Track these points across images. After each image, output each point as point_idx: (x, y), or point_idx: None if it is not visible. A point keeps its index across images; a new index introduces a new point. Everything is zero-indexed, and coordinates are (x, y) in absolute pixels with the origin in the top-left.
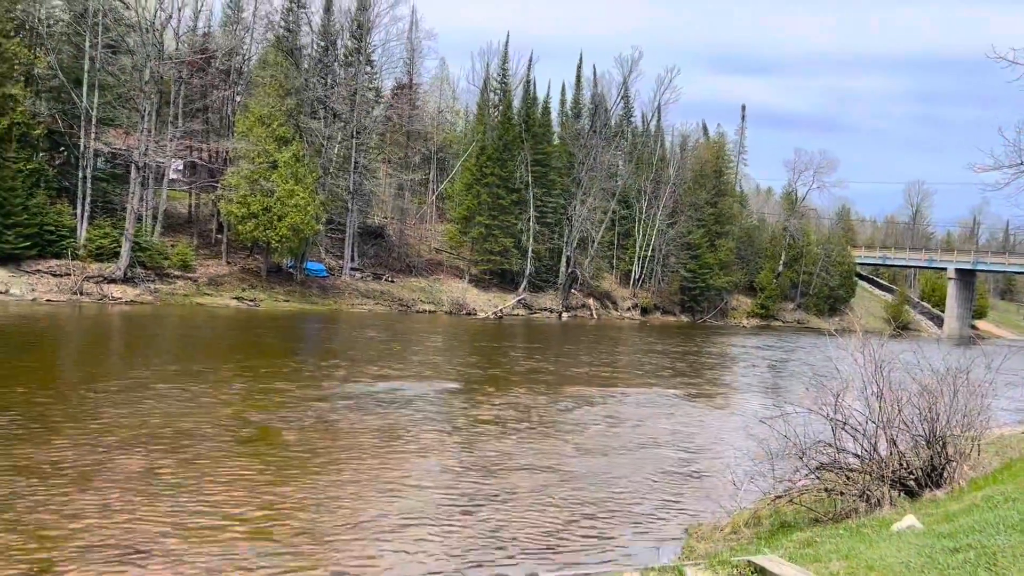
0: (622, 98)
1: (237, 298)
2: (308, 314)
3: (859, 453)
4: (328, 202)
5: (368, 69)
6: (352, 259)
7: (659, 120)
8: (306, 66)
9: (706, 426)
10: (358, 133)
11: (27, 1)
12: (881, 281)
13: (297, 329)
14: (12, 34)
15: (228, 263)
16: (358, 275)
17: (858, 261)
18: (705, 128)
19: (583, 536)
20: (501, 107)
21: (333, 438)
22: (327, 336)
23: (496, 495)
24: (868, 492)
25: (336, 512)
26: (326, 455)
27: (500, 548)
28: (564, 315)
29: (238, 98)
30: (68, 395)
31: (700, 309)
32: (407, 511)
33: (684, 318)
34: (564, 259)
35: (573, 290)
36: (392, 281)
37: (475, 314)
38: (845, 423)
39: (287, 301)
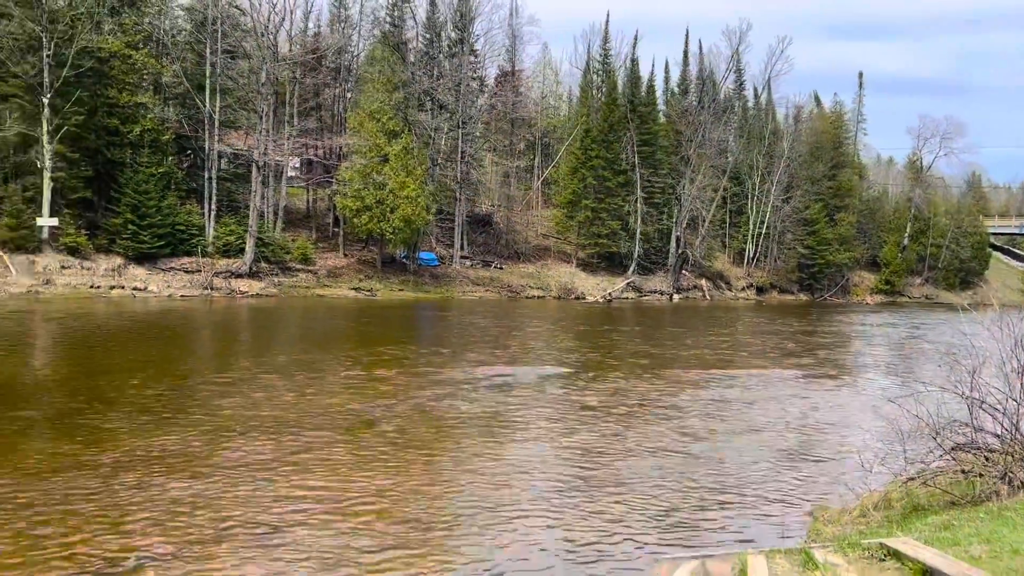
0: (731, 71)
1: (355, 288)
2: (421, 302)
3: (999, 433)
4: (437, 192)
5: (472, 59)
6: (461, 247)
7: (770, 93)
8: (412, 59)
9: (830, 407)
10: (464, 123)
11: (153, 14)
12: (1018, 252)
13: (410, 317)
14: (141, 46)
15: (345, 255)
16: (467, 263)
17: (992, 231)
18: (817, 99)
19: (702, 519)
20: (605, 88)
21: (442, 425)
22: (439, 323)
23: (609, 480)
24: (1011, 474)
25: (449, 499)
26: (435, 442)
27: (617, 533)
28: (675, 297)
29: (348, 95)
30: (193, 385)
31: (820, 287)
32: (518, 498)
33: (803, 297)
34: (674, 240)
35: (684, 271)
36: (500, 268)
37: (584, 298)
38: (983, 402)
39: (401, 290)
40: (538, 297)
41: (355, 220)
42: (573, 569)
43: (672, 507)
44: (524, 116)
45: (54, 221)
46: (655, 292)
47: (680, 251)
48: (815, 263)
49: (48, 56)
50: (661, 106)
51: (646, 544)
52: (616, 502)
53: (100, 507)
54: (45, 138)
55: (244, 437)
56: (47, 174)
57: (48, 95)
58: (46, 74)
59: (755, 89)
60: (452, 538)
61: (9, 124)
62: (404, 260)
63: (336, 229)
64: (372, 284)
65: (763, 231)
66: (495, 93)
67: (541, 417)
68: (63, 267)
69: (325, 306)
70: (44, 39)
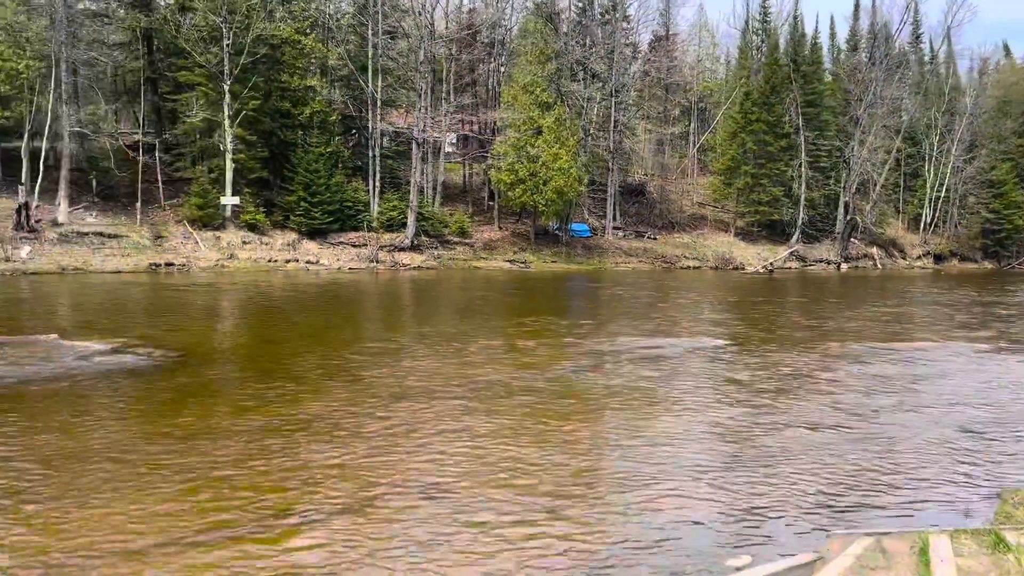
0: (906, 23)
1: (509, 261)
2: (573, 274)
3: None
4: (589, 163)
5: (625, 25)
6: (614, 218)
7: (949, 44)
8: (564, 29)
9: (1011, 383)
10: (617, 91)
11: (319, 0)
12: None
13: (561, 288)
14: (309, 32)
15: (500, 228)
16: (620, 234)
17: None
18: (1007, 49)
19: (871, 499)
20: (765, 48)
21: (584, 397)
22: (589, 294)
23: (763, 457)
24: None
25: (591, 473)
26: (574, 415)
27: (776, 509)
28: (843, 266)
29: (502, 69)
30: (349, 354)
31: (1007, 254)
32: (665, 473)
33: (987, 265)
34: (842, 206)
35: (853, 239)
36: (654, 238)
37: (743, 269)
38: None
39: (554, 262)
40: (693, 268)
41: (509, 193)
42: (735, 542)
43: (836, 485)
44: (679, 81)
45: (236, 200)
46: (821, 261)
47: (849, 217)
48: (1002, 228)
49: (227, 45)
50: (828, 64)
51: (809, 521)
52: (772, 479)
53: (253, 469)
54: (226, 122)
55: (389, 406)
56: (228, 156)
57: (228, 82)
58: (226, 62)
59: (930, 41)
60: (597, 511)
61: (196, 111)
62: (556, 232)
63: (491, 203)
64: (525, 256)
65: (942, 194)
66: (649, 59)
67: (688, 391)
68: (244, 242)
69: (480, 278)
70: (224, 29)
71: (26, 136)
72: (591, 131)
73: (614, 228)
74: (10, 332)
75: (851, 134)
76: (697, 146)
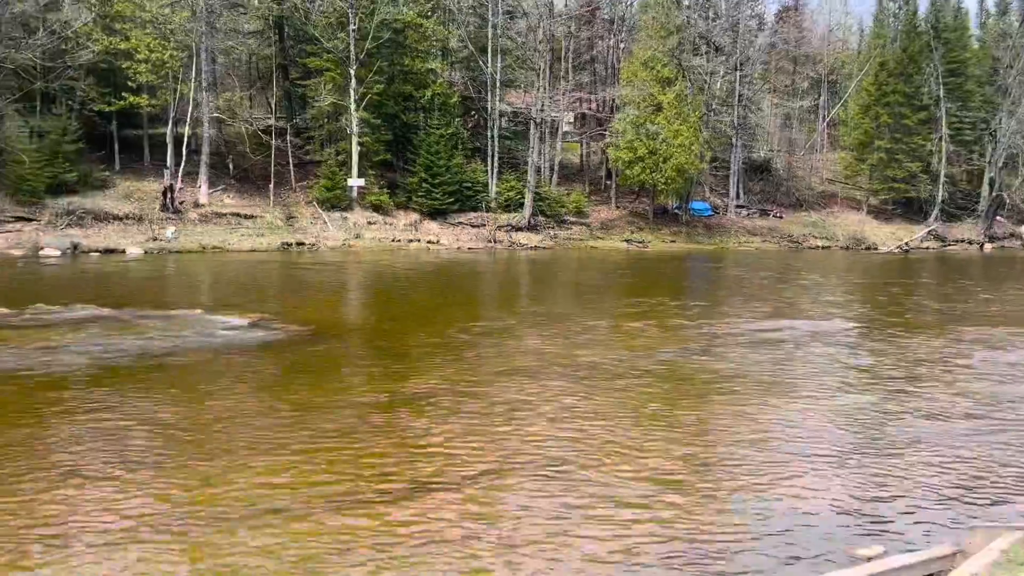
0: None
1: (626, 240)
2: (693, 254)
3: None
4: (712, 139)
5: None
6: (737, 196)
7: None
8: (687, 3)
9: None
10: (741, 65)
11: None
12: None
13: (679, 269)
14: (430, 15)
15: (617, 207)
16: (744, 212)
17: None
18: None
19: (1010, 492)
20: (903, 15)
21: (693, 381)
22: (708, 275)
23: (889, 447)
24: None
25: (698, 458)
26: (681, 399)
27: (907, 500)
28: (987, 246)
29: (622, 45)
30: (458, 333)
31: None
32: (782, 460)
33: None
34: (987, 182)
35: (999, 217)
36: (780, 217)
37: (875, 249)
38: None
39: (673, 241)
40: (822, 248)
41: (627, 172)
42: (862, 533)
43: (969, 479)
44: (808, 53)
45: (361, 181)
46: (962, 241)
47: (994, 194)
48: None
49: (353, 31)
50: (973, 30)
51: (941, 514)
52: (899, 470)
53: (367, 441)
54: (352, 106)
55: (495, 384)
56: (355, 139)
57: (354, 67)
58: (352, 47)
59: None
60: (710, 496)
61: (324, 95)
62: (676, 211)
63: (608, 182)
64: (643, 235)
65: None
66: (775, 31)
67: (806, 376)
68: (369, 223)
69: (597, 258)
70: (350, 15)
71: (170, 122)
72: (714, 106)
73: (737, 206)
74: (159, 307)
75: (999, 105)
76: (827, 120)
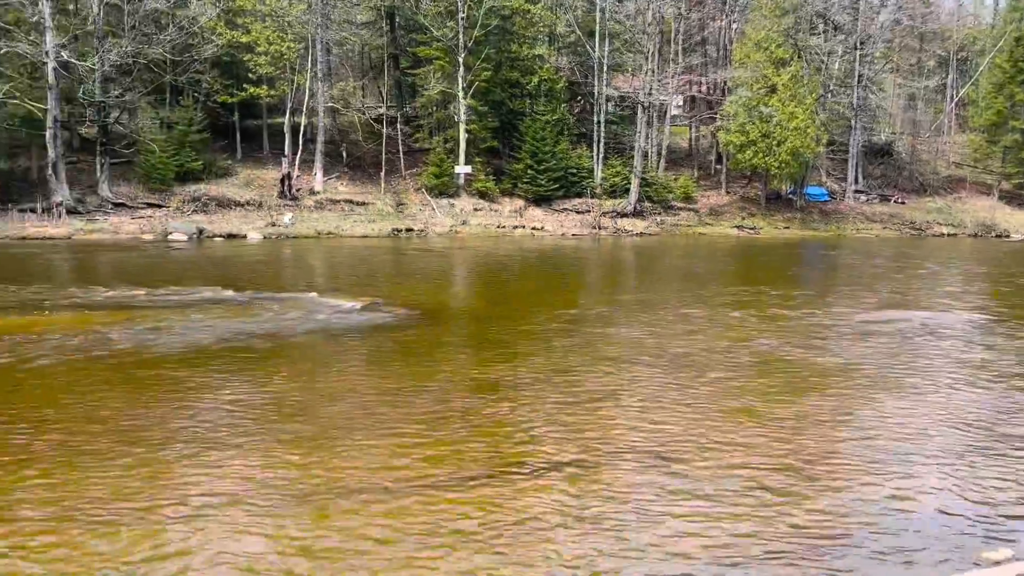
0: None
1: (737, 226)
2: (807, 241)
3: None
4: (829, 122)
5: None
6: (855, 181)
7: None
8: None
9: None
10: (862, 43)
11: None
12: None
13: (792, 256)
14: (537, 0)
15: (727, 193)
16: (862, 197)
17: None
18: None
19: None
20: None
21: (799, 372)
22: (823, 263)
23: (1010, 446)
24: None
25: (799, 456)
26: (790, 389)
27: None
28: None
29: (735, 26)
30: (554, 318)
31: None
32: (889, 456)
33: None
34: None
35: None
36: (901, 203)
37: (1007, 236)
38: None
39: (787, 228)
40: (948, 235)
41: (738, 156)
42: (984, 535)
43: None
44: (935, 29)
45: (468, 168)
46: None
47: None
48: None
49: (462, 19)
50: None
51: None
52: (1021, 471)
53: (469, 424)
54: (460, 94)
55: (595, 370)
56: (462, 127)
57: (462, 55)
58: (460, 36)
59: None
60: (816, 493)
61: (433, 84)
62: (790, 196)
63: (718, 166)
64: (755, 221)
65: None
66: (900, 6)
67: (918, 370)
68: (475, 209)
69: (704, 244)
70: (459, 3)
71: (288, 112)
72: (831, 87)
73: (856, 192)
74: (277, 289)
75: None
76: (955, 100)
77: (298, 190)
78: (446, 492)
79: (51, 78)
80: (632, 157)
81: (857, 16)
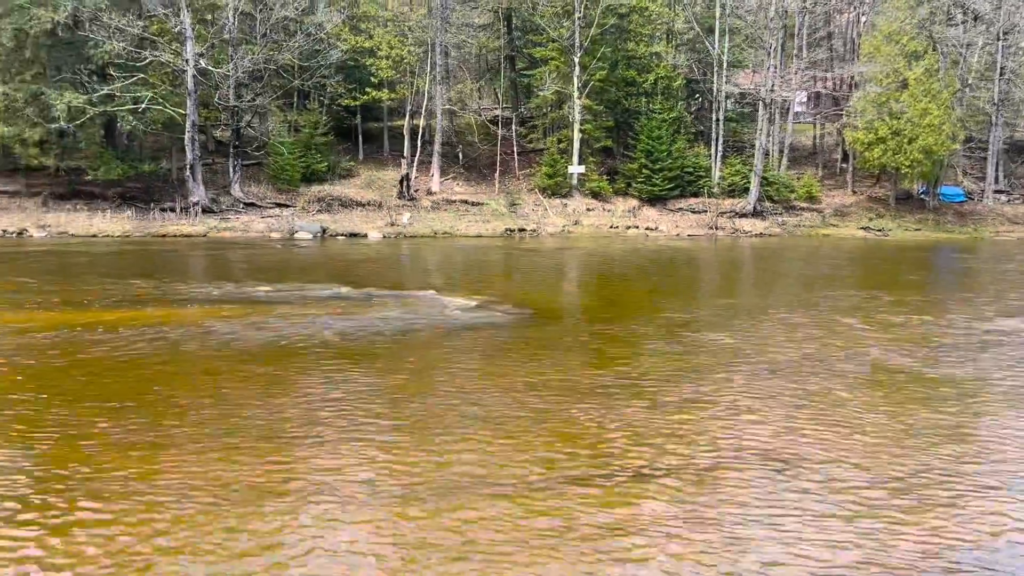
0: None
1: (863, 228)
2: (941, 244)
3: None
4: (966, 118)
5: None
6: (995, 180)
7: None
8: None
9: None
10: (1005, 34)
11: None
12: None
13: (922, 260)
14: None
15: (853, 192)
16: (1003, 198)
17: None
18: None
19: None
20: None
21: (912, 382)
22: (957, 267)
23: None
24: None
25: (926, 467)
26: (892, 405)
27: None
28: None
29: (864, 18)
30: (673, 319)
31: None
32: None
33: None
34: None
35: None
36: None
37: None
38: None
39: (918, 230)
40: None
41: (866, 154)
42: None
43: None
44: None
45: (582, 168)
46: None
47: None
48: None
49: (579, 19)
50: None
51: None
52: None
53: (585, 424)
54: (575, 94)
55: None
56: (576, 127)
57: (578, 54)
58: (576, 35)
59: None
60: (957, 508)
61: (548, 84)
62: (922, 196)
63: (844, 165)
64: (883, 223)
65: None
66: None
67: None
68: (588, 209)
69: (828, 247)
70: (576, 3)
71: (408, 115)
72: (969, 81)
73: (996, 192)
74: (396, 287)
75: None
76: None
77: (416, 191)
78: (556, 492)
79: (190, 85)
80: (752, 155)
81: (1000, 4)
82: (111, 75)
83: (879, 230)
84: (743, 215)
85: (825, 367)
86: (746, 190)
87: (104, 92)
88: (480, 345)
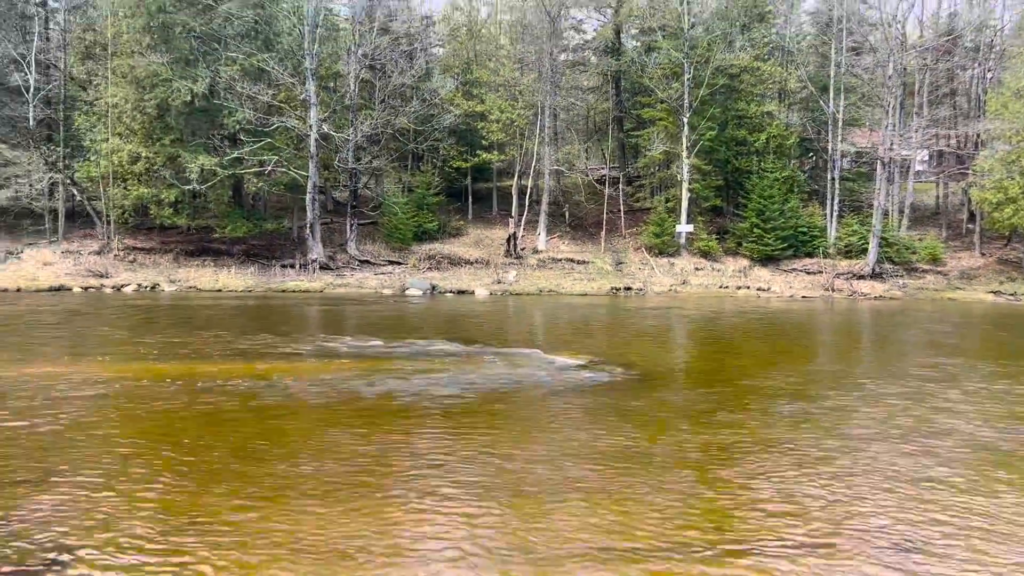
0: None
1: (993, 292)
2: None
3: None
4: None
5: None
6: None
7: None
8: None
9: None
10: None
11: (779, 24)
12: None
13: None
14: (767, 57)
15: (982, 254)
16: None
17: None
18: None
19: None
20: None
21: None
22: None
23: None
24: None
25: None
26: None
27: None
28: None
29: (989, 75)
30: (801, 381)
31: None
32: None
33: None
34: None
35: None
36: None
37: None
38: None
39: None
40: None
41: (995, 214)
42: None
43: None
44: None
45: (690, 227)
46: None
47: None
48: None
49: (688, 79)
50: None
51: None
52: None
53: (699, 494)
54: (684, 153)
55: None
56: (684, 186)
57: (687, 115)
58: (686, 96)
59: None
60: None
61: (656, 144)
62: None
63: (970, 225)
64: (1016, 287)
65: None
66: None
67: None
68: (696, 268)
69: (954, 311)
70: (685, 65)
71: (516, 175)
72: None
73: None
74: (502, 344)
75: None
76: None
77: (522, 249)
78: (672, 563)
79: (312, 148)
80: (870, 215)
81: None
82: (241, 140)
83: (1011, 295)
84: (861, 276)
85: (958, 439)
86: (864, 251)
87: (234, 156)
88: (587, 406)
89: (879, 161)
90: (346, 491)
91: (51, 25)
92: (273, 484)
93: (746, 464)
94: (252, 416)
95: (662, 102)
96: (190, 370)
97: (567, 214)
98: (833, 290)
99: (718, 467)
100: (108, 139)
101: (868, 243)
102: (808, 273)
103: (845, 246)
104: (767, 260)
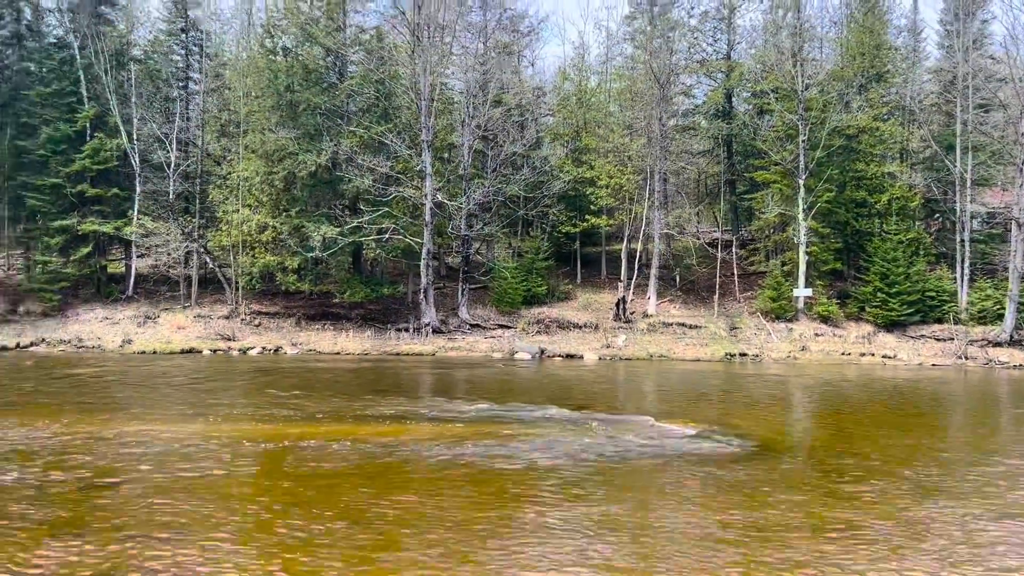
0: None
1: None
2: None
3: None
4: None
5: None
6: None
7: None
8: None
9: None
10: None
11: (899, 84)
12: None
13: None
14: (887, 117)
15: None
16: None
17: None
18: None
19: None
20: None
21: None
22: None
23: None
24: None
25: None
26: None
27: None
28: None
29: None
30: (953, 460)
31: None
32: None
33: None
34: None
35: None
36: None
37: None
38: None
39: None
40: None
41: None
42: None
43: None
44: None
45: (808, 291)
46: None
47: None
48: None
49: (803, 141)
50: None
51: None
52: None
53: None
54: (800, 216)
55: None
56: (802, 248)
57: (803, 177)
58: (801, 158)
59: None
60: None
61: (771, 207)
62: None
63: None
64: None
65: None
66: None
67: None
68: (816, 334)
69: None
70: (800, 126)
71: (625, 240)
72: None
73: None
74: (612, 411)
75: None
76: None
77: (632, 313)
78: None
79: (427, 216)
80: (1005, 279)
81: None
82: (360, 208)
83: None
84: (998, 344)
85: None
86: (999, 316)
87: (354, 224)
88: (701, 478)
89: (1014, 221)
90: (446, 548)
91: (191, 106)
92: (376, 550)
93: (879, 545)
94: (364, 478)
95: (776, 164)
96: (308, 431)
97: (678, 278)
98: (967, 358)
99: (849, 548)
100: (239, 210)
101: (1004, 308)
102: (937, 340)
103: (978, 311)
104: (892, 326)
